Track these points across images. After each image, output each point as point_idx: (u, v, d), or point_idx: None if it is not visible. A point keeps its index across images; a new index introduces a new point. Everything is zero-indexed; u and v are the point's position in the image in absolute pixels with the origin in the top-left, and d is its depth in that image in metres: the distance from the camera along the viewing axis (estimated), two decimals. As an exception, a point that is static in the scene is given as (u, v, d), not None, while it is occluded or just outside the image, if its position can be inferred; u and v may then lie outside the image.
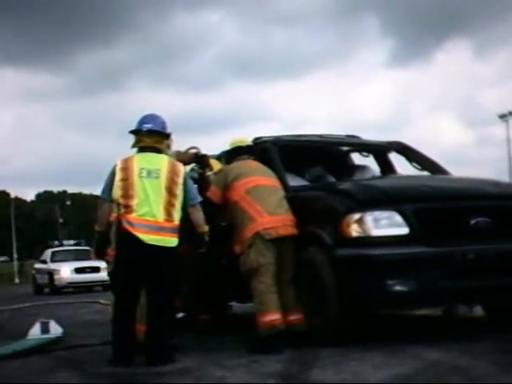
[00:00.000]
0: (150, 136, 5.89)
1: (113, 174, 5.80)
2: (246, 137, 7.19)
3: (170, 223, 5.69)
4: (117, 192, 5.73)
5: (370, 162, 8.52)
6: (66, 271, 23.21)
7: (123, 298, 5.79)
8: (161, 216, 5.64)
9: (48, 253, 26.36)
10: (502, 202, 6.18)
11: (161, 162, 5.80)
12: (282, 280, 6.27)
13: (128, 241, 5.65)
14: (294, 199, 6.55)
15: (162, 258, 5.65)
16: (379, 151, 8.49)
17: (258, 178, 6.56)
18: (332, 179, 7.56)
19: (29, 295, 23.70)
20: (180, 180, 5.77)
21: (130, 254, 5.68)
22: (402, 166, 8.33)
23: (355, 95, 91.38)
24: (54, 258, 25.14)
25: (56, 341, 7.37)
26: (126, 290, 5.77)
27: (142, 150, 5.91)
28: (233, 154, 6.94)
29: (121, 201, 5.71)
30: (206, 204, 6.37)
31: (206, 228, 6.04)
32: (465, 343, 5.53)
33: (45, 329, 7.57)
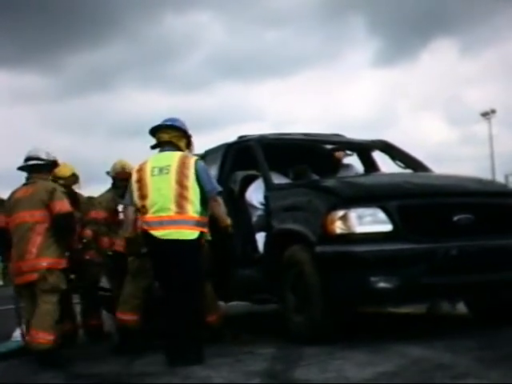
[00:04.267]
0: (167, 132, 5.95)
1: (131, 179, 5.93)
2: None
3: (182, 215, 5.61)
4: (134, 194, 5.83)
5: (353, 161, 8.55)
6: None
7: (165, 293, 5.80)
8: (172, 209, 5.61)
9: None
10: (485, 199, 6.21)
11: (171, 158, 5.78)
12: None
13: (148, 240, 5.74)
14: (279, 196, 6.57)
15: (178, 250, 5.59)
16: (363, 149, 8.51)
17: None
18: (316, 177, 7.56)
19: (13, 297, 23.54)
20: (190, 172, 5.68)
21: (153, 252, 5.79)
22: (386, 164, 8.36)
23: (342, 94, 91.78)
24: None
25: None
26: (163, 286, 5.82)
27: (161, 150, 5.98)
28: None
29: (138, 202, 5.79)
30: None
31: (227, 221, 6.01)
32: (448, 340, 5.54)
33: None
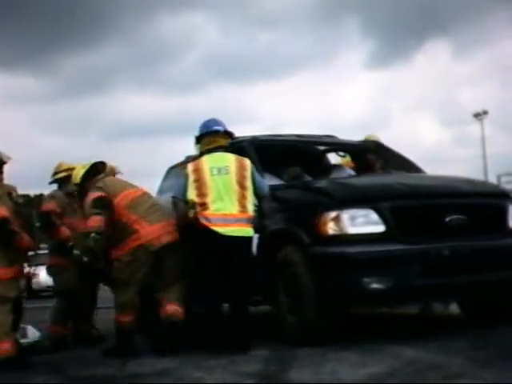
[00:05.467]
0: (224, 137, 6.41)
1: (185, 177, 6.22)
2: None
3: (245, 214, 6.10)
4: (192, 192, 6.13)
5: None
6: (43, 275, 22.98)
7: (209, 288, 6.15)
8: (235, 208, 6.06)
9: (25, 256, 26.09)
10: (477, 200, 6.24)
11: (228, 160, 6.24)
12: (166, 286, 6.50)
13: (207, 235, 6.00)
14: (271, 198, 6.57)
15: (240, 247, 6.05)
16: (356, 150, 8.52)
17: (130, 190, 6.69)
18: (309, 178, 7.57)
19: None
20: (248, 174, 6.21)
21: (210, 247, 6.02)
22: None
23: (337, 96, 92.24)
24: (32, 261, 24.84)
25: (34, 345, 7.33)
26: (209, 280, 6.12)
27: (208, 151, 6.31)
28: (89, 176, 6.93)
29: (196, 200, 6.09)
30: None
31: None
32: (441, 341, 5.55)
33: (23, 333, 7.51)
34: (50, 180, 7.91)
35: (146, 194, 6.81)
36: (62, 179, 7.81)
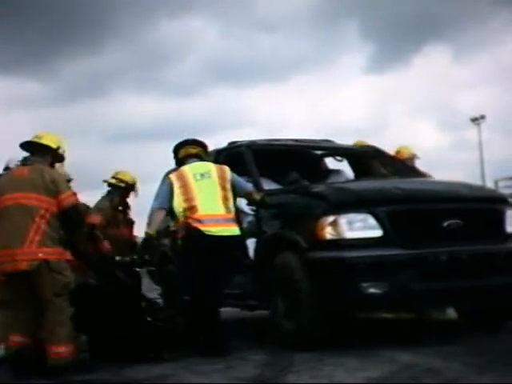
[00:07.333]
0: (194, 147, 6.68)
1: (169, 185, 6.38)
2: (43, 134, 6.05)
3: (230, 214, 6.31)
4: (179, 198, 6.29)
5: (344, 166, 8.57)
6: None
7: (206, 290, 6.15)
8: (222, 209, 6.26)
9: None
10: (475, 205, 6.23)
11: (208, 166, 6.52)
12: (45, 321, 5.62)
13: (199, 237, 6.13)
14: (269, 202, 6.57)
15: (232, 245, 6.26)
16: (353, 155, 8.52)
17: (13, 195, 5.65)
18: (306, 183, 7.56)
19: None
20: (228, 176, 6.44)
21: (204, 248, 6.12)
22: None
23: (335, 100, 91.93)
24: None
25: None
26: (206, 281, 6.12)
27: (183, 160, 6.60)
28: None
29: (184, 205, 6.25)
30: None
31: (258, 196, 6.57)
32: (438, 345, 5.55)
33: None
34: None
35: (20, 205, 5.61)
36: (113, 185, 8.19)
